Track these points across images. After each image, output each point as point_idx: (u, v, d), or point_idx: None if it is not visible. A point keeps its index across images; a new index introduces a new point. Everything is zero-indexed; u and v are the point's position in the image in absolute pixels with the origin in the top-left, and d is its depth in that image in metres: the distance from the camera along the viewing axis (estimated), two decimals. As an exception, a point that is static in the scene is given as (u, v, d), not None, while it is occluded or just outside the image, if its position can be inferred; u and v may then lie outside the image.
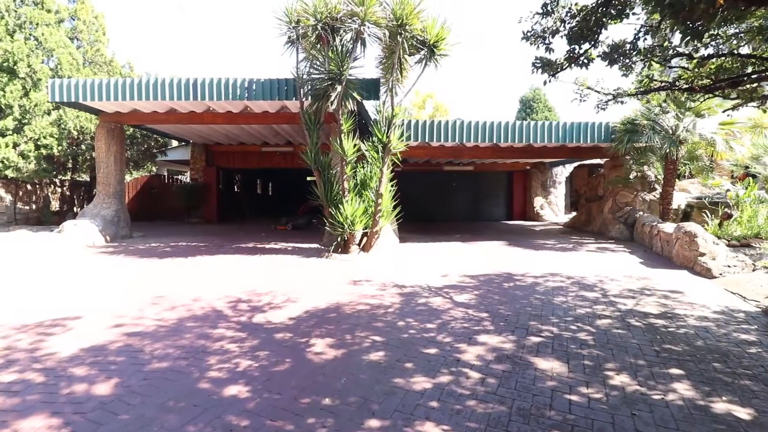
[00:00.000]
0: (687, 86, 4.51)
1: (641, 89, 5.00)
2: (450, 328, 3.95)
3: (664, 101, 8.38)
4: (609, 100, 5.23)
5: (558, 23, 4.50)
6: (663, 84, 4.85)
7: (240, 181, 19.19)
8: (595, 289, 5.45)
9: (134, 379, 2.88)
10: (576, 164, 18.12)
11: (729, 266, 6.20)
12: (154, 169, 18.00)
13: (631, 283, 5.78)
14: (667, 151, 8.27)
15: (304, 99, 8.08)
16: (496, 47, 71.44)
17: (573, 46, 4.28)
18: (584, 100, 5.50)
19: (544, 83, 4.77)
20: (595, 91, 5.35)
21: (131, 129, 13.26)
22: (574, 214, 18.02)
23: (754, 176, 11.82)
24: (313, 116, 8.08)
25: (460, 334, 3.80)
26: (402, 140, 8.04)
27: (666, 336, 3.79)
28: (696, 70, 4.40)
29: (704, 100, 5.54)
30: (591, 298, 5.02)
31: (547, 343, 3.61)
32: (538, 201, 17.18)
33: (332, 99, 7.26)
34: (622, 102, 5.24)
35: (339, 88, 7.26)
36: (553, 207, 17.32)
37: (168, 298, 4.89)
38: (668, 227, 7.69)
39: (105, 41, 13.33)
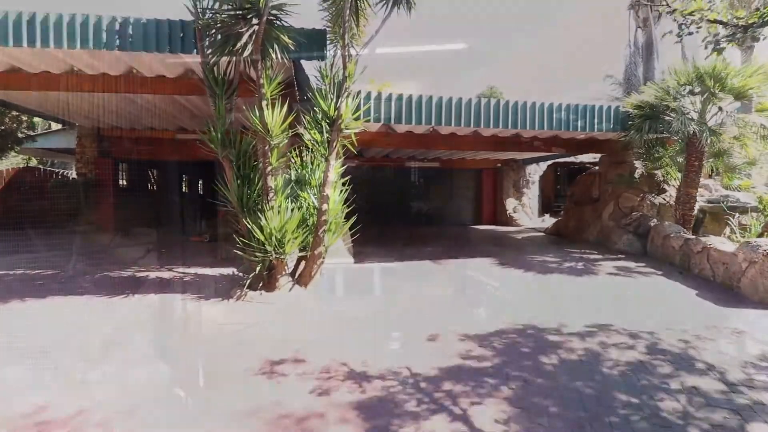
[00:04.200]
0: None
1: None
2: None
3: (699, 77, 6.42)
4: (736, 33, 3.04)
5: None
6: None
7: (157, 177, 15.55)
8: (698, 367, 3.13)
9: None
10: (550, 162, 16.38)
11: None
12: (35, 160, 13.95)
13: (734, 346, 3.55)
14: (707, 140, 6.31)
15: (208, 49, 5.21)
16: (457, 39, 70.67)
17: None
18: (690, 33, 3.28)
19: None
20: (717, 21, 3.08)
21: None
22: (547, 217, 16.26)
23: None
24: (221, 76, 5.27)
25: None
26: (358, 116, 5.41)
27: None
28: None
29: None
30: (717, 397, 2.68)
31: None
32: (511, 203, 15.21)
33: (244, 40, 4.43)
34: (756, 38, 3.12)
35: (256, 22, 4.47)
36: (526, 210, 15.44)
37: None
38: (724, 244, 5.67)
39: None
